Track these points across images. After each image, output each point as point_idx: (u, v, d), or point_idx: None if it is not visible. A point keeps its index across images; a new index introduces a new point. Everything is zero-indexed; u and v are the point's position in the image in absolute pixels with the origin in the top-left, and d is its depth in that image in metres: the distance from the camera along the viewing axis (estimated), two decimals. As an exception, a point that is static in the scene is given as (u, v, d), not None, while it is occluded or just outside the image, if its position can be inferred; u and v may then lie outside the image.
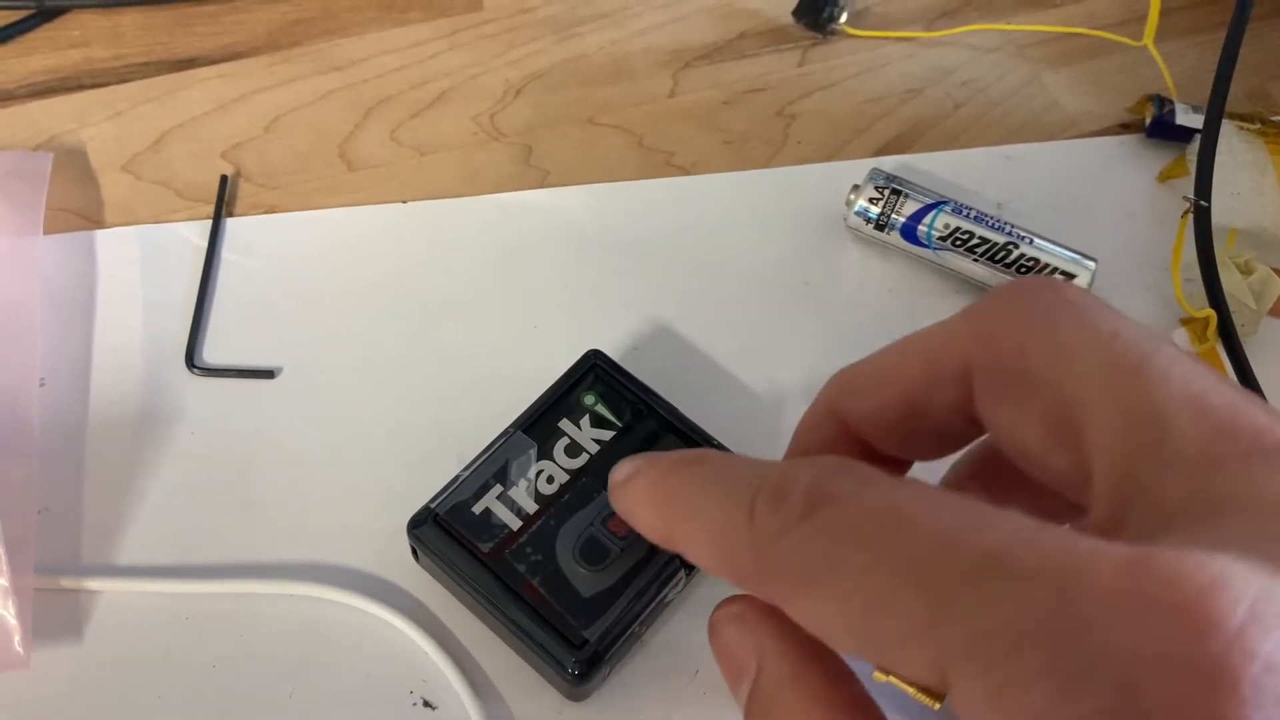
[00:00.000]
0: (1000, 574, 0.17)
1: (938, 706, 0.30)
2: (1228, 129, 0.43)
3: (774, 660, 0.22)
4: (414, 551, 0.34)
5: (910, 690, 0.30)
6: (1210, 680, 0.14)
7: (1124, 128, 0.47)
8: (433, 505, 0.33)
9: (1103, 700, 0.15)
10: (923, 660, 0.18)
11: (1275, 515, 0.17)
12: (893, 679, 0.30)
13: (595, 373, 0.36)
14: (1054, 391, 0.20)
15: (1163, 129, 0.45)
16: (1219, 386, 0.19)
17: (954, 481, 0.27)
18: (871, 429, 0.25)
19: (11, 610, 0.31)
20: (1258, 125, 0.44)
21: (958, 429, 0.24)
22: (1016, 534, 0.17)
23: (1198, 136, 0.41)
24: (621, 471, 0.26)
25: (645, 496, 0.25)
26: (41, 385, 0.37)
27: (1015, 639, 0.16)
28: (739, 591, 0.23)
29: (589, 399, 0.35)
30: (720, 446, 0.35)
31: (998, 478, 0.25)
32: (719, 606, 0.24)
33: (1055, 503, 0.21)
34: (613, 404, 0.35)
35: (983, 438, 0.25)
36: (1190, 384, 0.19)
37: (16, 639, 0.31)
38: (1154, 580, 0.15)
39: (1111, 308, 0.21)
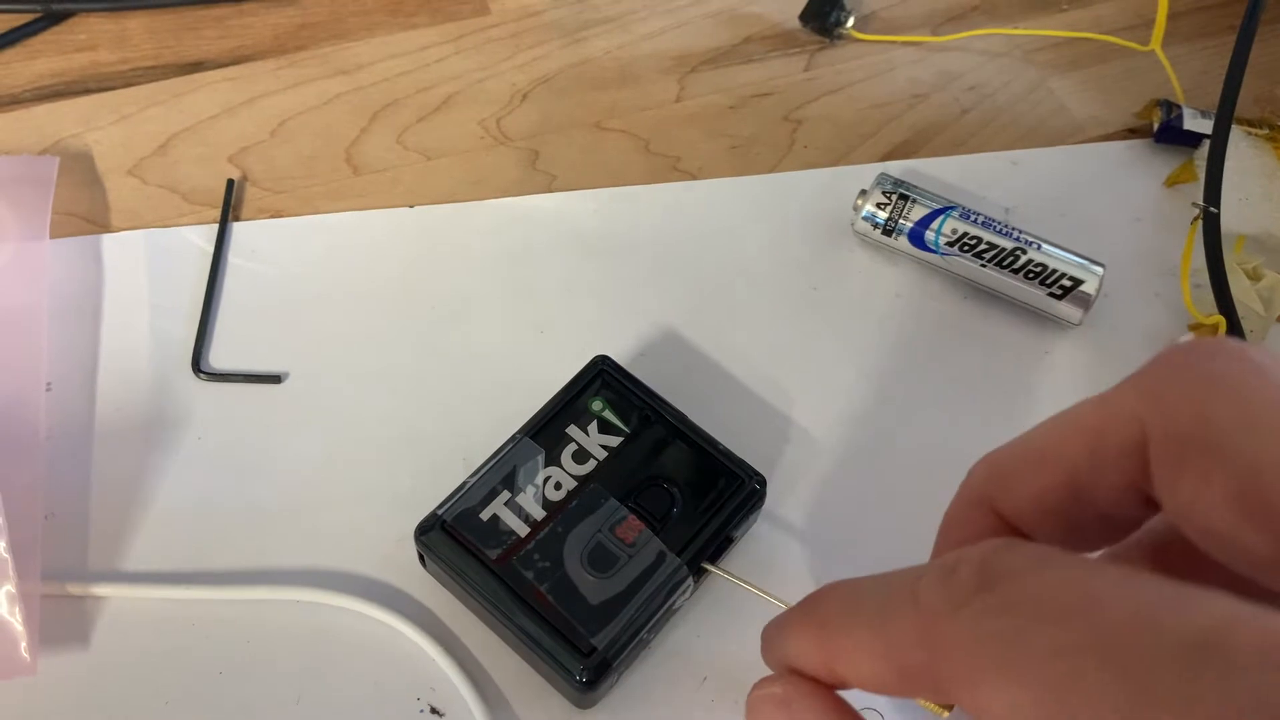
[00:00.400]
0: (1216, 657, 0.15)
1: (944, 715, 0.29)
2: (1235, 134, 0.43)
3: None
4: (421, 558, 0.33)
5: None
6: None
7: (1131, 133, 0.47)
8: (440, 512, 0.33)
9: None
10: None
11: None
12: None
13: (603, 378, 0.36)
14: (1245, 460, 0.18)
15: (1171, 134, 0.45)
16: None
17: None
18: (1031, 518, 0.23)
19: (18, 616, 0.31)
20: (1265, 130, 0.44)
21: (1130, 512, 0.22)
22: (1229, 613, 0.16)
23: (1206, 142, 0.41)
24: (770, 629, 0.24)
25: (799, 628, 0.23)
26: (48, 390, 0.37)
27: None
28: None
29: (596, 405, 0.35)
30: (728, 453, 0.34)
31: (1175, 566, 0.21)
32: (758, 686, 0.23)
33: (1248, 589, 0.19)
34: (620, 410, 0.35)
35: (1153, 521, 0.22)
36: None
37: (23, 645, 0.31)
38: None
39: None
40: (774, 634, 0.24)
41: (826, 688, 0.22)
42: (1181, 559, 0.21)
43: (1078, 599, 0.17)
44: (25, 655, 0.31)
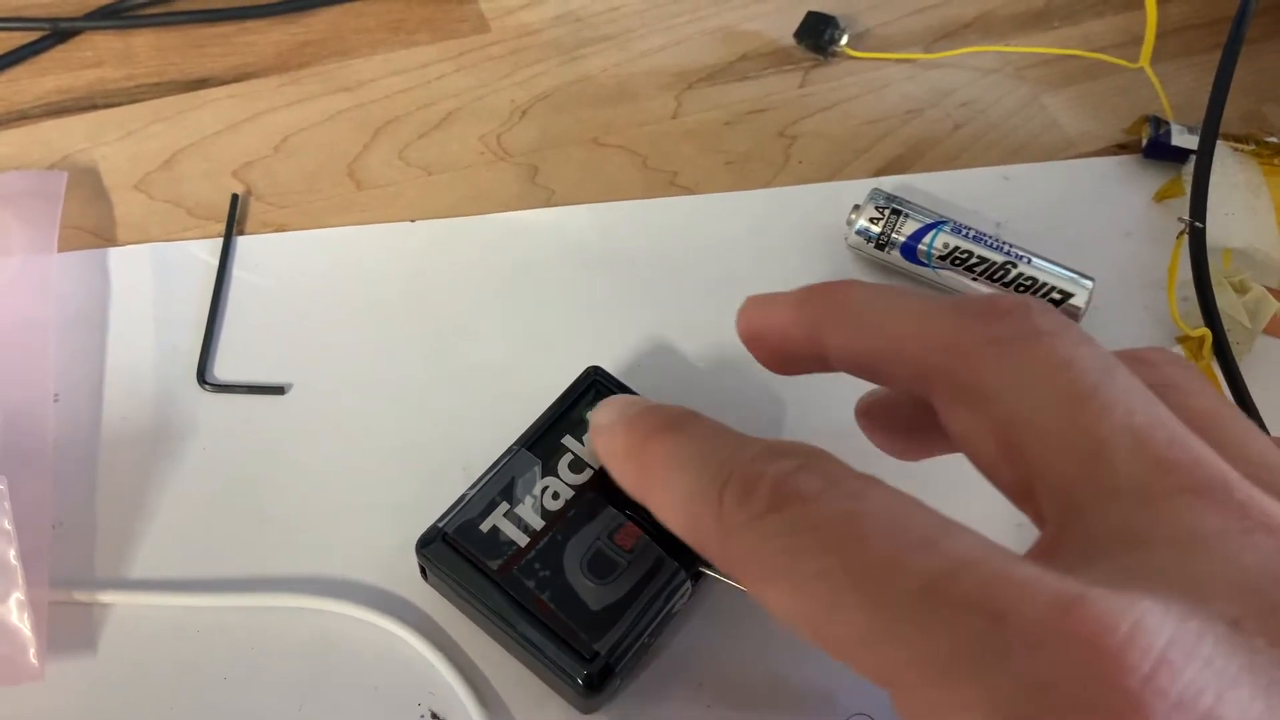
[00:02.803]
0: (940, 600, 0.17)
1: None
2: (1222, 150, 0.44)
3: None
4: (423, 570, 0.34)
5: None
6: (1125, 716, 0.15)
7: (1121, 148, 0.48)
8: (441, 524, 0.33)
9: None
10: (869, 667, 0.19)
11: (1197, 552, 0.18)
12: None
13: (596, 388, 0.36)
14: (1004, 410, 0.21)
15: (1159, 150, 0.46)
16: (1163, 420, 0.20)
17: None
18: (842, 368, 0.26)
19: (27, 623, 0.32)
20: (1252, 146, 0.45)
21: (915, 414, 0.26)
22: (963, 557, 0.18)
23: (1193, 158, 0.42)
24: (604, 416, 0.28)
25: (624, 458, 0.26)
26: (55, 401, 0.38)
27: (948, 665, 0.17)
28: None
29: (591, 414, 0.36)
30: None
31: None
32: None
33: None
34: (618, 420, 0.36)
35: None
36: (1134, 417, 0.20)
37: (32, 651, 0.32)
38: (1081, 620, 0.16)
39: (1080, 334, 0.22)
40: (601, 441, 0.27)
41: None
42: None
43: (847, 530, 0.19)
44: (33, 661, 0.32)
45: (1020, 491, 0.22)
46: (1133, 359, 0.23)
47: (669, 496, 0.24)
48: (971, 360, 0.22)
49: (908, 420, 0.31)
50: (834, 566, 0.19)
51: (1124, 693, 0.16)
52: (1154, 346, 0.25)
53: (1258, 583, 0.17)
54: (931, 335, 0.23)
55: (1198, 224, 0.40)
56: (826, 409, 0.39)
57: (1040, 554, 0.20)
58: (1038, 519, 0.21)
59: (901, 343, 0.24)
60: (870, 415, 0.33)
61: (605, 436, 0.28)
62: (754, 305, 0.29)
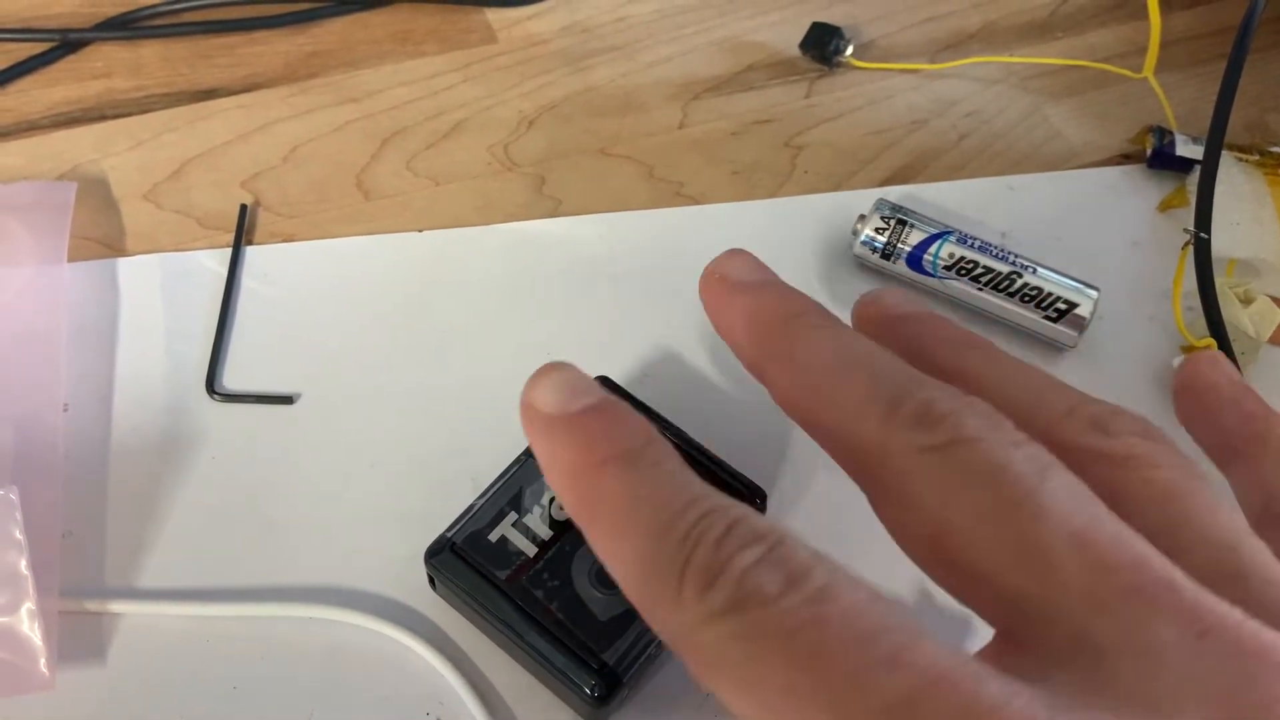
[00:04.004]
0: None
1: None
2: (1227, 160, 0.44)
3: None
4: (431, 580, 0.34)
5: None
6: None
7: (1125, 158, 0.48)
8: (449, 534, 0.34)
9: None
10: None
11: (1155, 665, 0.18)
12: None
13: (606, 399, 0.36)
14: (936, 520, 0.21)
15: (1163, 160, 0.46)
16: (1102, 519, 0.19)
17: None
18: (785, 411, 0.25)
19: (38, 632, 0.32)
20: (1256, 156, 0.45)
21: None
22: (932, 674, 0.18)
23: (1198, 167, 0.42)
24: (544, 401, 0.23)
25: (569, 476, 0.23)
26: (65, 410, 0.38)
27: None
28: None
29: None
30: (728, 468, 0.35)
31: None
32: None
33: None
34: (625, 430, 0.36)
35: None
36: (1073, 520, 0.19)
37: (42, 660, 0.32)
38: None
39: (1012, 435, 0.21)
40: (544, 431, 0.23)
41: None
42: None
43: (812, 647, 0.18)
44: (44, 670, 0.32)
45: (958, 590, 0.21)
46: (1095, 425, 0.22)
47: (619, 549, 0.22)
48: (900, 466, 0.21)
49: None
50: (801, 684, 0.18)
51: None
52: (1119, 409, 0.23)
53: (1216, 692, 0.17)
54: (862, 434, 0.22)
55: (1203, 235, 0.40)
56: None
57: (997, 658, 0.20)
58: (981, 615, 0.21)
59: (833, 429, 0.23)
60: None
61: (545, 438, 0.23)
62: (712, 287, 0.26)
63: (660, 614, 0.21)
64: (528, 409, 0.23)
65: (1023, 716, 0.17)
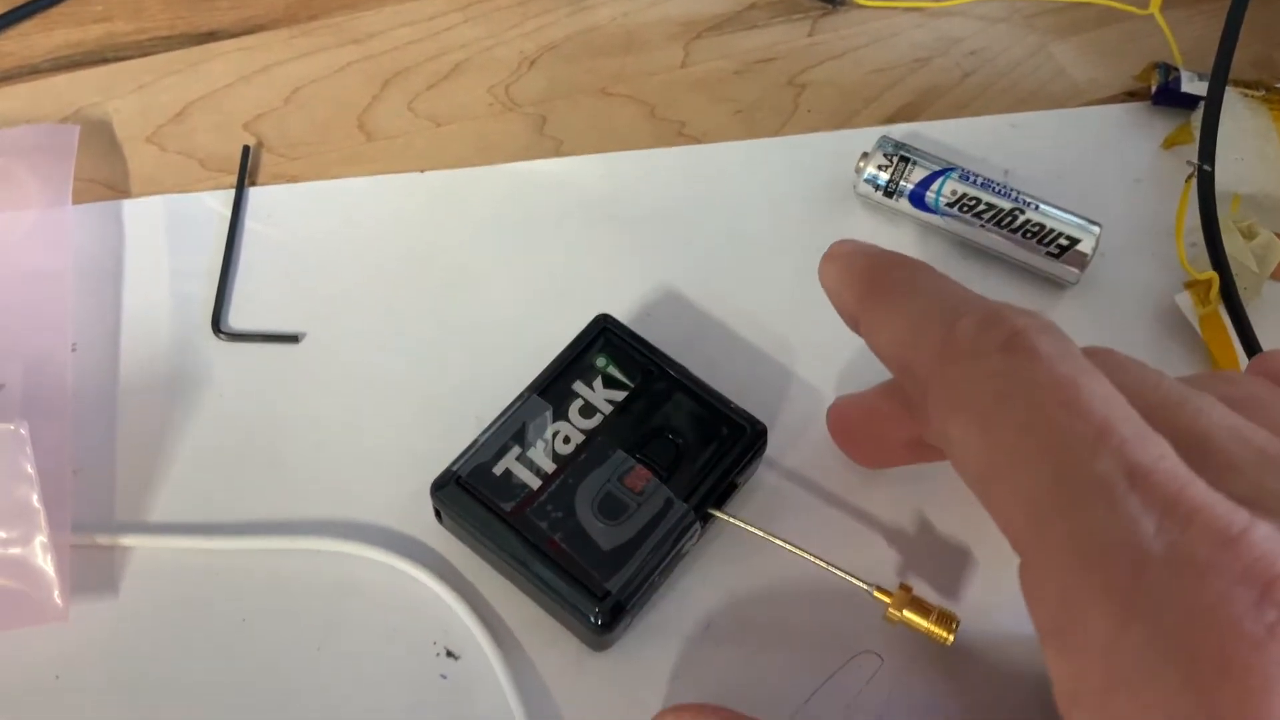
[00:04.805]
0: (1115, 495, 0.18)
1: (949, 641, 0.31)
2: (1232, 96, 0.44)
3: None
4: (437, 513, 0.35)
5: (923, 628, 0.32)
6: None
7: (1130, 95, 0.48)
8: (454, 468, 0.34)
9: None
10: (1018, 528, 0.20)
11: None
12: (906, 617, 0.32)
13: (605, 336, 0.37)
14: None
15: (1168, 96, 0.46)
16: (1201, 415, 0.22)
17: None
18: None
19: (50, 564, 0.33)
20: (1262, 92, 0.45)
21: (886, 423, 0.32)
22: (1157, 462, 0.19)
23: (1202, 104, 0.42)
24: (846, 245, 0.29)
25: (859, 276, 0.27)
26: (74, 350, 0.38)
27: (1104, 552, 0.18)
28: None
29: (600, 361, 0.36)
30: (729, 404, 0.35)
31: None
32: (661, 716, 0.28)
33: None
34: (624, 366, 0.36)
35: None
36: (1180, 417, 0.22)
37: (56, 592, 0.33)
38: (1249, 546, 0.18)
39: (1077, 358, 0.23)
40: (833, 264, 0.29)
41: None
42: None
43: (1066, 399, 0.20)
44: (58, 601, 0.33)
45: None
46: (1218, 378, 0.24)
47: (894, 315, 0.25)
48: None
49: (877, 429, 0.33)
50: (1038, 425, 0.20)
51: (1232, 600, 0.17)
52: (1228, 371, 0.27)
53: None
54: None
55: (1206, 167, 0.40)
56: (838, 359, 0.40)
57: None
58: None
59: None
60: (839, 423, 0.35)
61: (843, 261, 0.28)
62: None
63: (921, 351, 0.23)
64: (831, 254, 0.30)
65: (1220, 518, 0.18)
